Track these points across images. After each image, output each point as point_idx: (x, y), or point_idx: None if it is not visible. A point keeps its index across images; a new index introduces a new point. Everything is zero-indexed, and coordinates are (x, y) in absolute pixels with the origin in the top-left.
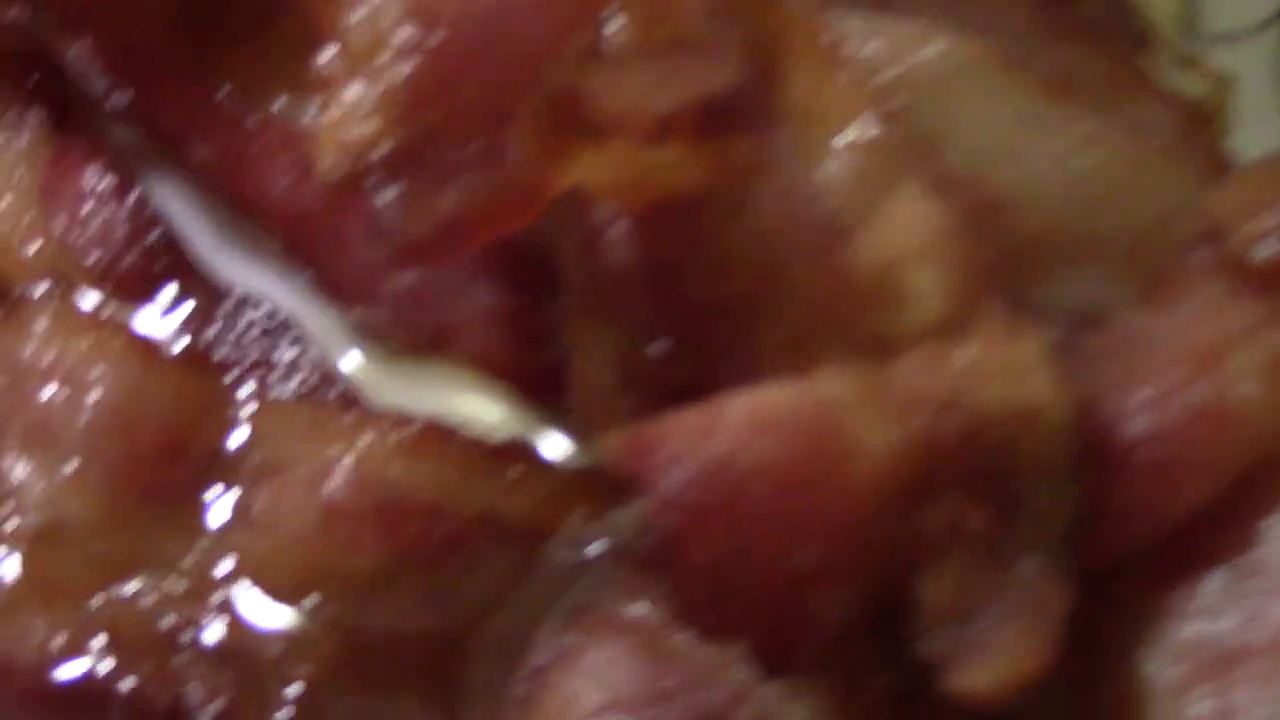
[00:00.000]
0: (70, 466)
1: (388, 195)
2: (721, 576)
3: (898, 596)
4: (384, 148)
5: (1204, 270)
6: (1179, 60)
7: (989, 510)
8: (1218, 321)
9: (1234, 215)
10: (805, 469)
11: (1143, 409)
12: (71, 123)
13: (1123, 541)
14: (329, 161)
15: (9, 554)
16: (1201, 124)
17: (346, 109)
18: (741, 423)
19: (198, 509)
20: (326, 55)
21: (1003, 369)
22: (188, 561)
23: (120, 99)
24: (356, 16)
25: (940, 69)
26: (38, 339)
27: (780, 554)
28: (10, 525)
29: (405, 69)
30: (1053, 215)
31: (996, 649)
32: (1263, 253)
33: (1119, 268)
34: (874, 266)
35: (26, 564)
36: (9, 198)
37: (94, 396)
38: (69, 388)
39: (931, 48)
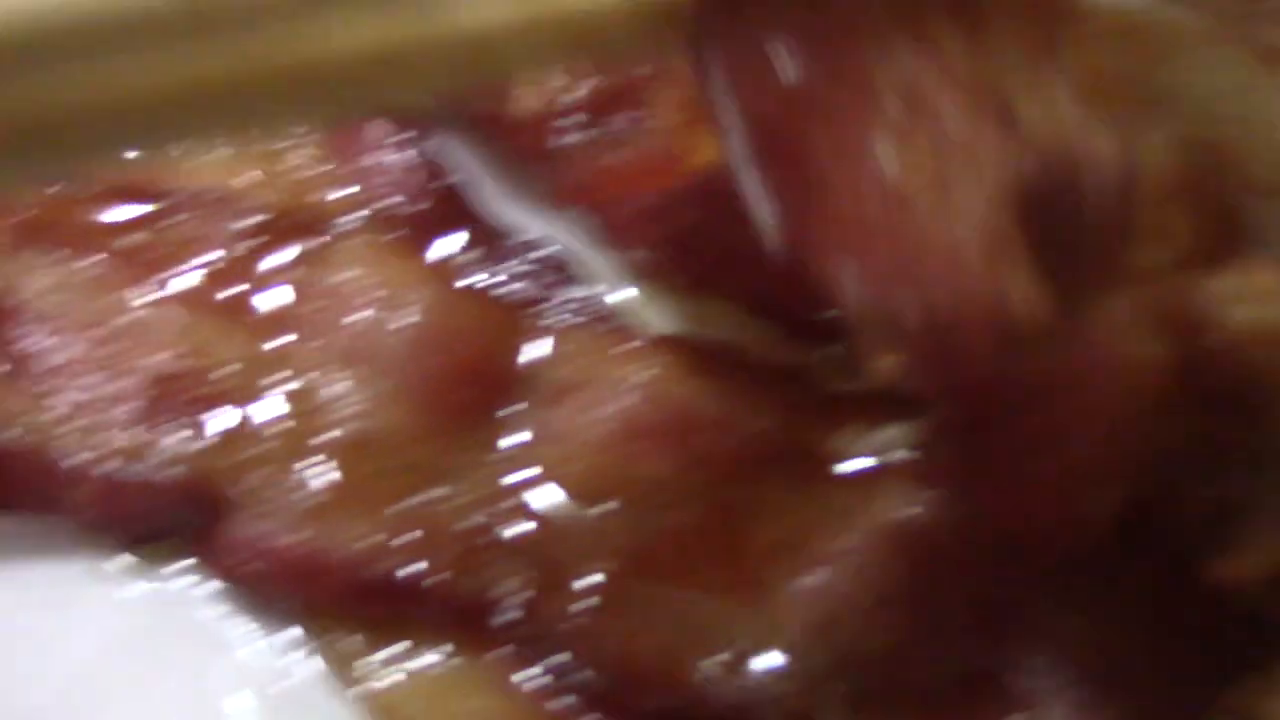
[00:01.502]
0: (385, 383)
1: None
2: (996, 480)
3: (1160, 500)
4: (570, 98)
5: None
6: None
7: (1240, 421)
8: None
9: None
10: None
11: None
12: None
13: None
14: (527, 100)
15: (326, 462)
16: None
17: None
18: None
19: (499, 423)
20: None
21: (1251, 294)
22: (490, 470)
23: None
24: None
25: (1172, 38)
26: (350, 266)
27: (1059, 453)
28: (327, 435)
29: None
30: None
31: (1256, 543)
32: None
33: None
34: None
35: (342, 471)
36: (307, 150)
37: (406, 319)
38: (382, 310)
39: (1167, 16)
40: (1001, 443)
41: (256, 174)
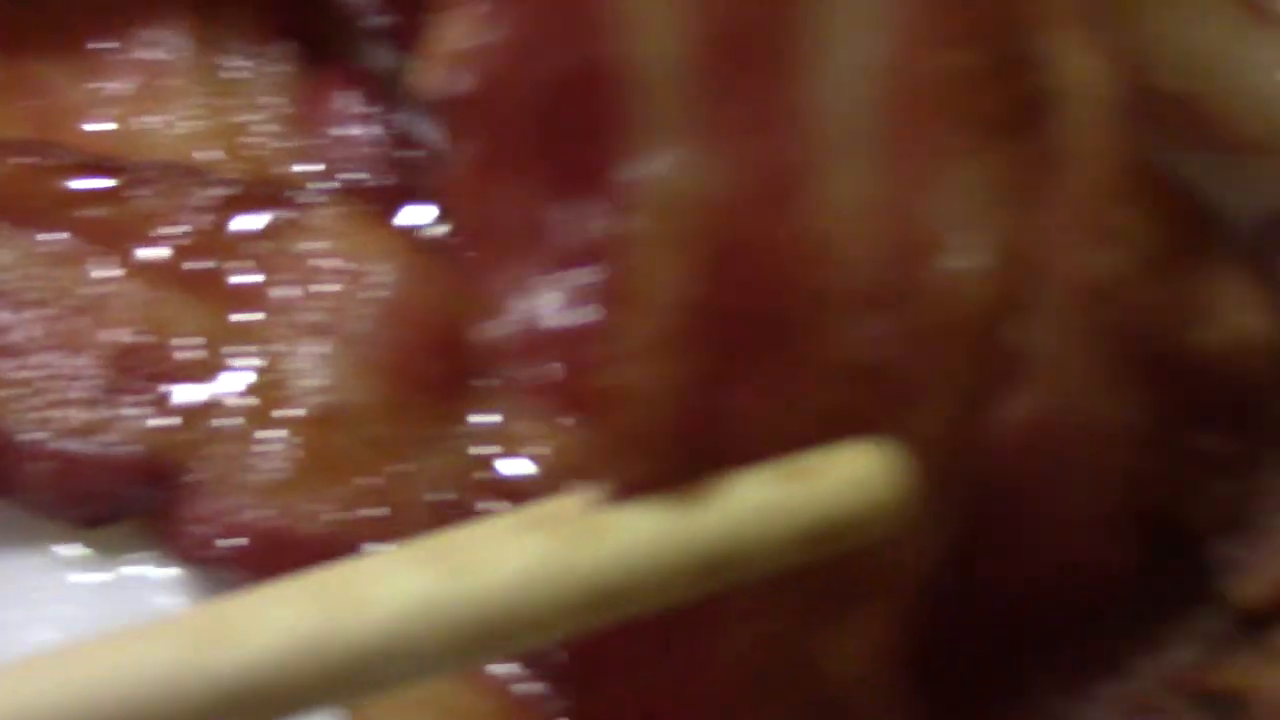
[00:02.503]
0: (352, 356)
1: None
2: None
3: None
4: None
5: None
6: None
7: (1232, 434)
8: None
9: None
10: None
11: None
12: (330, 51)
13: None
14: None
15: (292, 436)
16: None
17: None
18: None
19: (470, 395)
20: None
21: (1219, 307)
22: (461, 442)
23: (381, 21)
24: None
25: None
26: (317, 238)
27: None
28: (293, 409)
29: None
30: (1266, 122)
31: (1264, 565)
32: None
33: None
34: None
35: (307, 445)
36: (270, 121)
37: (374, 291)
38: (349, 283)
39: None
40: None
41: (221, 147)
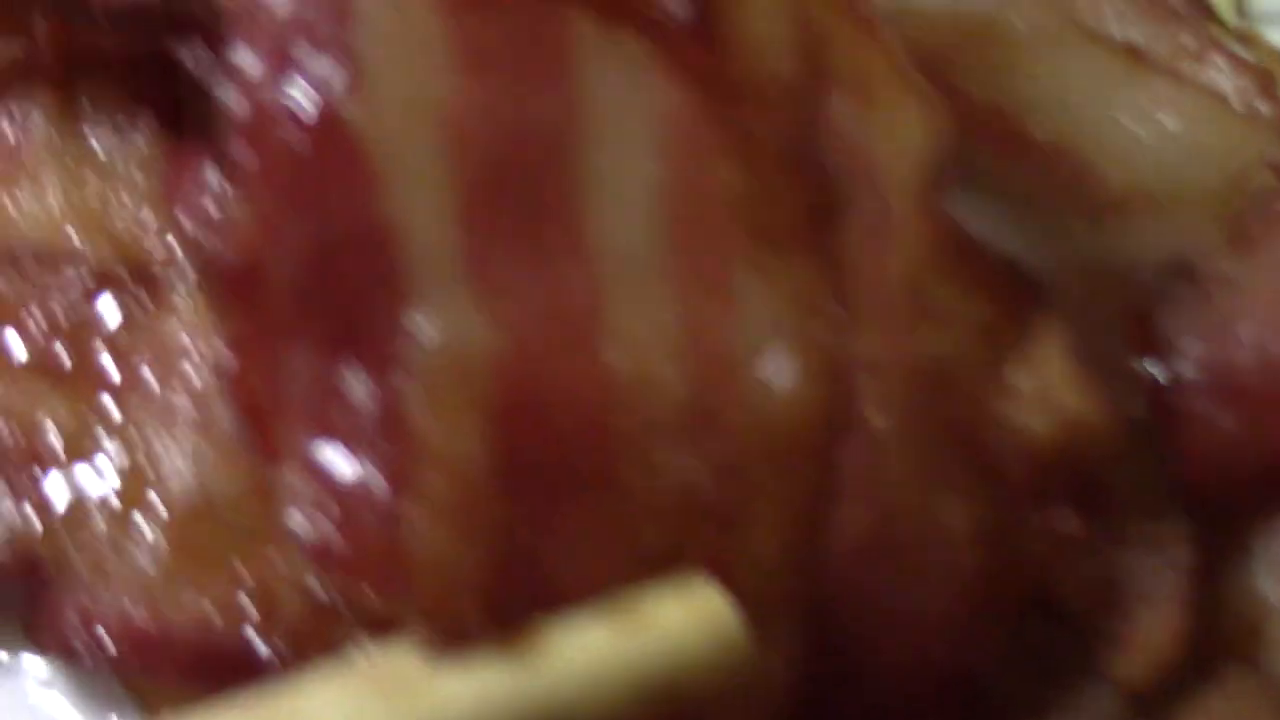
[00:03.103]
0: (217, 441)
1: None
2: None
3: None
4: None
5: None
6: (1236, 36)
7: (1084, 513)
8: None
9: None
10: None
11: (1248, 346)
12: (188, 121)
13: (1233, 475)
14: None
15: (161, 526)
16: (1270, 85)
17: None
18: None
19: None
20: None
21: (1042, 389)
22: None
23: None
24: None
25: (1022, 38)
26: (184, 322)
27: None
28: (160, 498)
29: None
30: (1138, 173)
31: (1139, 642)
32: None
33: (1203, 220)
34: None
35: (176, 536)
36: (131, 199)
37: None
38: (216, 372)
39: (1014, 18)
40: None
41: (82, 226)
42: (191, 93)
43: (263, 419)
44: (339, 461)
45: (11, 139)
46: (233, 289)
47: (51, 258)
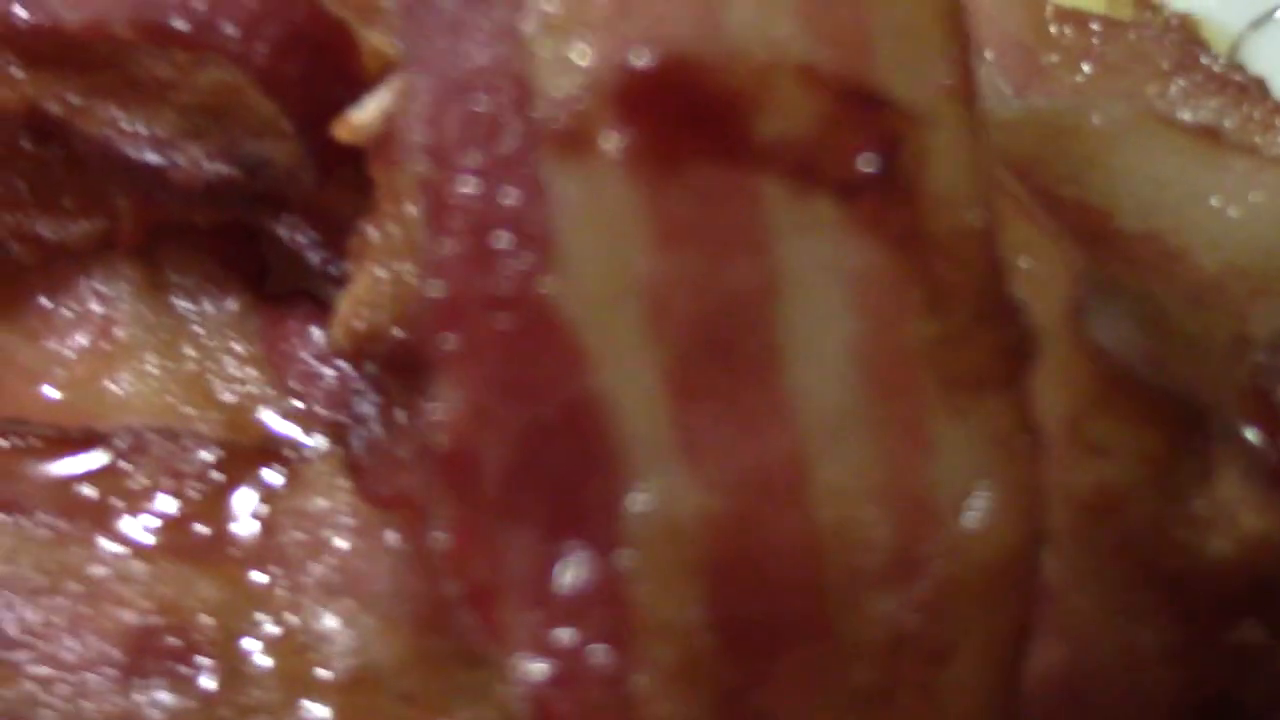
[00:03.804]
0: (376, 610)
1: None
2: None
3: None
4: (385, 345)
5: None
6: None
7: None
8: None
9: None
10: None
11: None
12: (280, 285)
13: None
14: (335, 337)
15: (322, 703)
16: None
17: (364, 290)
18: None
19: None
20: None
21: (1224, 515)
22: (500, 688)
23: (329, 259)
24: (405, 207)
25: (1100, 133)
26: (318, 494)
27: None
28: (320, 674)
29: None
30: (1231, 251)
31: None
32: None
33: None
34: None
35: (342, 710)
36: (234, 367)
37: (391, 542)
38: (360, 536)
39: (1094, 117)
40: None
41: (189, 399)
42: (277, 255)
43: (484, 600)
44: (563, 635)
45: (101, 317)
46: (448, 474)
47: (174, 438)
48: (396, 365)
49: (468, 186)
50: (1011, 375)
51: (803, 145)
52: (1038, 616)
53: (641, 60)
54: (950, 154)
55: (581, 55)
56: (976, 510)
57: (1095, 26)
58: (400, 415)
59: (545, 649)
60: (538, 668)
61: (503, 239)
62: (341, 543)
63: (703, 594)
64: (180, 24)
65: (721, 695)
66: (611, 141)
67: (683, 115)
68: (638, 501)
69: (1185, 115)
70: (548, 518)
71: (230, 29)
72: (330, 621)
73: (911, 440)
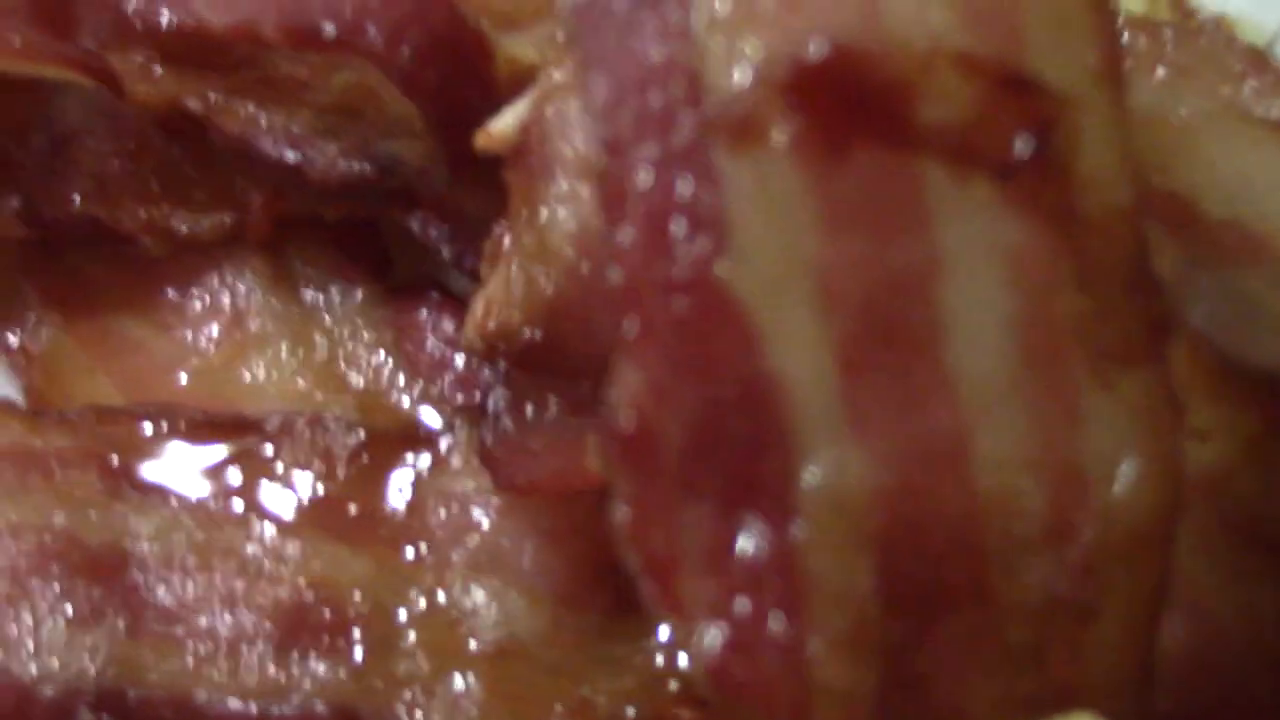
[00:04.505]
0: (521, 586)
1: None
2: None
3: None
4: (517, 343)
5: None
6: None
7: None
8: None
9: None
10: None
11: None
12: (404, 276)
13: None
14: (469, 335)
15: (473, 675)
16: None
17: (498, 291)
18: None
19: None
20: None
21: None
22: (645, 657)
23: (460, 252)
24: (541, 213)
25: (1187, 125)
26: (463, 472)
27: None
28: (469, 647)
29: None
30: None
31: None
32: None
33: None
34: None
35: (490, 681)
36: (365, 353)
37: (532, 519)
38: (504, 514)
39: (1179, 110)
40: None
41: (323, 385)
42: (400, 246)
43: (663, 571)
44: (740, 603)
45: (233, 309)
46: (628, 452)
47: (316, 423)
48: (527, 362)
49: (645, 177)
50: (1156, 349)
51: (961, 129)
52: (1167, 590)
53: (809, 53)
54: (1100, 135)
55: (752, 49)
56: (1124, 479)
57: (1168, 33)
58: (530, 409)
59: (723, 617)
60: (715, 635)
61: (679, 226)
62: (486, 522)
63: (871, 563)
64: (327, 28)
65: (888, 659)
66: (781, 131)
67: (848, 104)
68: (810, 475)
69: (1261, 112)
70: (724, 492)
71: (374, 34)
72: (477, 597)
73: (1064, 412)
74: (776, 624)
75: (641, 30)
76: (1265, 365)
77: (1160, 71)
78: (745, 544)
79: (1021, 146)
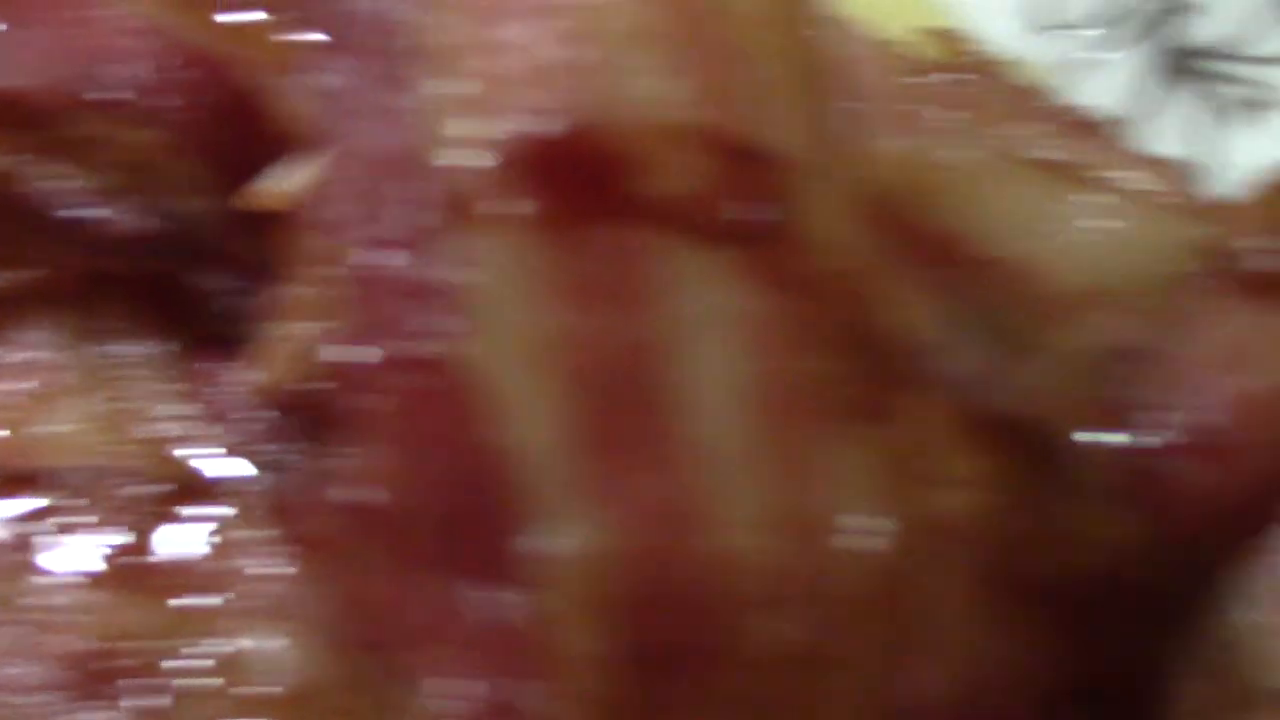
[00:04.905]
0: (314, 635)
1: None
2: None
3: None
4: (307, 394)
5: (1216, 293)
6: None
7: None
8: (1251, 328)
9: (1241, 237)
10: None
11: (1215, 406)
12: (205, 330)
13: (1216, 520)
14: (263, 386)
15: None
16: (1180, 174)
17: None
18: None
19: None
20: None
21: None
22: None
23: (256, 306)
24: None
25: (964, 169)
26: (254, 523)
27: None
28: (261, 693)
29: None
30: (1088, 273)
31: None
32: (1268, 264)
33: (1151, 303)
34: None
35: None
36: (160, 408)
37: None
38: (299, 565)
39: (947, 153)
40: None
41: (124, 440)
42: (202, 301)
43: (408, 641)
44: (490, 671)
45: (33, 362)
46: (368, 524)
47: (109, 475)
48: (316, 415)
49: (388, 259)
50: (894, 404)
51: (694, 200)
52: (925, 639)
53: (545, 131)
54: (829, 199)
55: (488, 130)
56: (862, 533)
57: (940, 76)
58: (320, 461)
59: (474, 685)
60: (467, 703)
61: (420, 306)
62: (280, 570)
63: (613, 626)
64: (105, 88)
65: (638, 718)
66: (518, 209)
67: (585, 181)
68: (552, 545)
69: (1031, 151)
70: (467, 563)
71: (168, 96)
72: (270, 644)
73: (802, 471)
74: (526, 690)
75: (385, 112)
76: (1026, 410)
77: (930, 114)
78: (492, 613)
79: (753, 215)
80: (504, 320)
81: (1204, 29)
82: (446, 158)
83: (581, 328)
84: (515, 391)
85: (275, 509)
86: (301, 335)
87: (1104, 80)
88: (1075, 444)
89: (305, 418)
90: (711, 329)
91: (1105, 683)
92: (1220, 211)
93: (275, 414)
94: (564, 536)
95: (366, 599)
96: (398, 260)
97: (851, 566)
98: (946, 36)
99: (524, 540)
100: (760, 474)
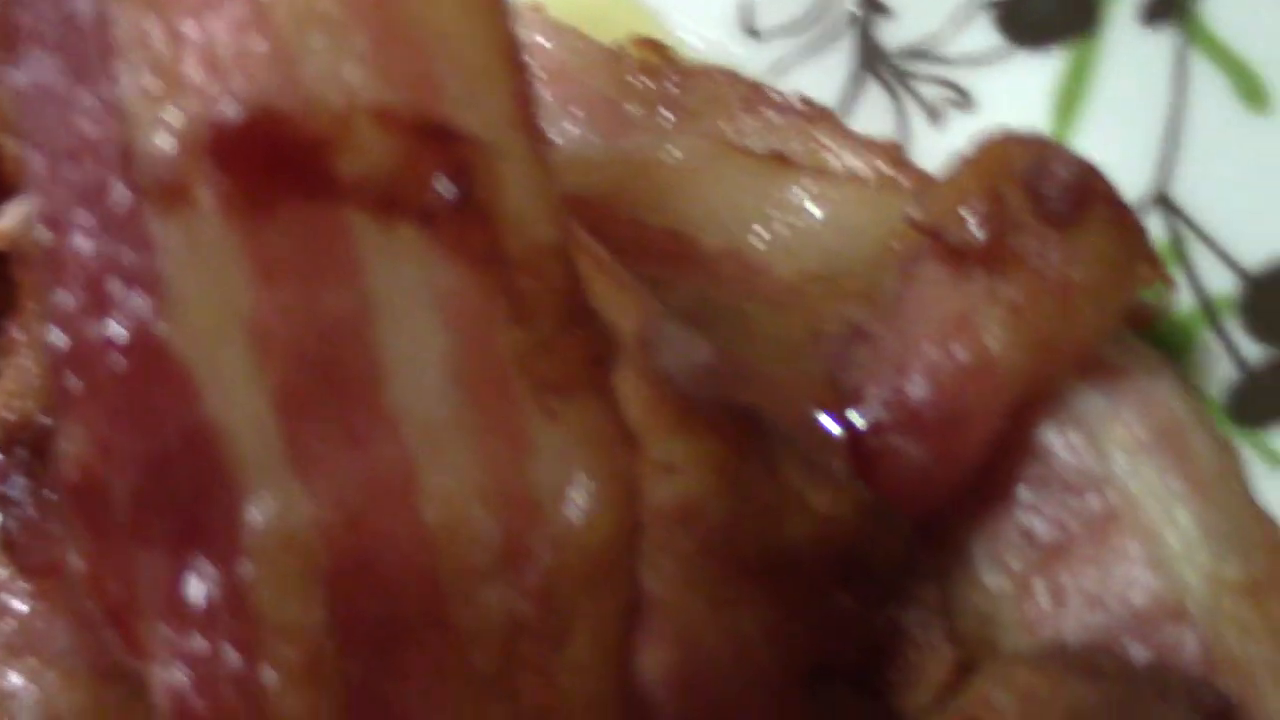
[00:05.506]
0: (57, 668)
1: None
2: None
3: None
4: (33, 431)
5: (931, 268)
6: None
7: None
8: (955, 299)
9: (944, 214)
10: None
11: (919, 381)
12: None
13: (940, 491)
14: None
15: None
16: (898, 154)
17: (13, 381)
18: None
19: None
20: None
21: (796, 500)
22: None
23: None
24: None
25: (679, 165)
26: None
27: None
28: None
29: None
30: (802, 260)
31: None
32: (977, 235)
33: (864, 286)
34: None
35: None
36: None
37: (63, 600)
38: (39, 600)
39: (672, 151)
40: None
41: None
42: None
43: (122, 619)
44: (194, 643)
45: None
46: (77, 504)
47: None
48: (43, 449)
49: (80, 244)
50: (597, 378)
51: (383, 180)
52: (647, 622)
53: (227, 116)
54: (520, 178)
55: (174, 117)
56: (576, 502)
57: (672, 76)
58: (49, 494)
59: (182, 657)
60: (175, 675)
61: (115, 288)
62: (20, 606)
63: (322, 596)
64: None
65: (350, 689)
66: (207, 192)
67: (269, 163)
68: (254, 516)
69: (757, 145)
70: (173, 537)
71: None
72: (14, 679)
73: (510, 442)
74: (232, 661)
75: (75, 105)
76: (748, 397)
77: (665, 112)
78: (197, 586)
79: (443, 192)
80: (199, 300)
81: (901, 31)
82: (136, 146)
83: (277, 305)
84: (216, 368)
85: (5, 546)
86: (29, 372)
87: (810, 81)
88: (795, 427)
89: (34, 456)
90: (409, 304)
91: (841, 661)
92: (926, 190)
93: (7, 451)
94: (267, 508)
95: (81, 582)
96: (91, 245)
97: (569, 540)
98: (655, 45)
99: (231, 513)
100: (472, 445)
